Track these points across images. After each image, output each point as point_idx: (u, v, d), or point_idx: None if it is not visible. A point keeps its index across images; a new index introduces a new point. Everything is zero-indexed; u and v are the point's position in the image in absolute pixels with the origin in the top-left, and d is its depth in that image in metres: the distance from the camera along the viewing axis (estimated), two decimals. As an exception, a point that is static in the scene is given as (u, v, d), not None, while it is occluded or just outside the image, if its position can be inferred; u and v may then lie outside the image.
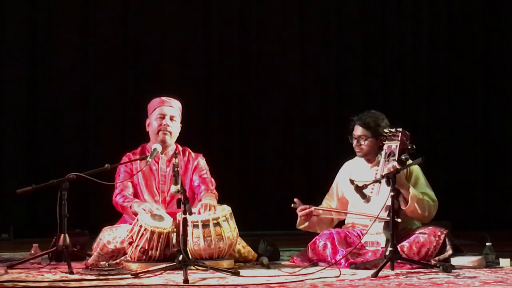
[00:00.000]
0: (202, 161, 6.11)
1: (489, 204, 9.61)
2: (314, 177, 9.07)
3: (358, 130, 5.91)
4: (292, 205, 5.97)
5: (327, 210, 6.01)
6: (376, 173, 5.72)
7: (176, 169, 5.28)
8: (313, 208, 5.96)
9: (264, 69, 9.42)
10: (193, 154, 6.12)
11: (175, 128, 6.01)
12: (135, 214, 5.75)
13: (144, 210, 5.65)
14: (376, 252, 5.64)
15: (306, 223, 6.02)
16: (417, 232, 5.72)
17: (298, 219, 6.03)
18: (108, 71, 9.07)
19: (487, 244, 5.93)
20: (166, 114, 5.98)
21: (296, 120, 9.45)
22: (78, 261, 5.86)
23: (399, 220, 5.53)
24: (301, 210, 5.94)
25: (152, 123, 6.01)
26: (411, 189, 5.65)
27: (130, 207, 5.80)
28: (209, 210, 5.67)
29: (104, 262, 5.59)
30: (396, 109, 9.26)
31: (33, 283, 4.97)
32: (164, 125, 5.96)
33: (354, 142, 5.92)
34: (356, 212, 5.85)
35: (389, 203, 5.39)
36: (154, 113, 6.01)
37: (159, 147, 5.89)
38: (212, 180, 6.07)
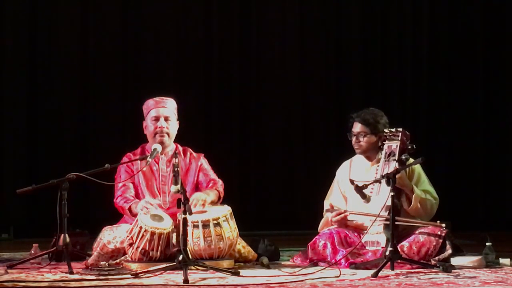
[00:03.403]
0: (204, 162, 6.10)
1: (489, 204, 9.61)
2: (314, 177, 9.07)
3: (357, 127, 5.92)
4: (326, 209, 5.94)
5: (359, 214, 5.94)
6: (377, 172, 5.72)
7: (176, 169, 5.28)
8: (348, 212, 5.90)
9: (264, 69, 9.42)
10: (194, 154, 6.11)
11: (172, 128, 5.99)
12: (135, 215, 5.74)
13: (141, 210, 5.65)
14: (376, 252, 5.65)
15: (333, 227, 5.92)
16: (417, 232, 5.72)
17: (324, 222, 5.97)
18: (108, 71, 9.07)
19: (487, 244, 5.93)
20: (160, 115, 5.95)
21: (296, 120, 9.44)
22: (78, 261, 5.86)
23: (443, 225, 5.58)
24: (337, 214, 5.88)
25: (148, 126, 6.00)
26: (415, 189, 5.66)
27: (129, 208, 5.80)
28: (202, 205, 5.67)
29: (104, 262, 5.59)
30: (396, 109, 9.25)
31: (33, 283, 4.98)
32: (160, 127, 5.94)
33: (353, 139, 5.93)
34: (381, 215, 5.73)
35: (389, 203, 5.39)
36: (149, 116, 6.00)
37: (159, 147, 5.89)
38: (221, 181, 6.05)
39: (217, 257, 5.61)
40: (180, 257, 5.12)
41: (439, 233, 5.67)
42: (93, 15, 9.08)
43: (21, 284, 4.93)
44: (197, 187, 6.04)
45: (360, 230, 5.86)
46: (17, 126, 8.88)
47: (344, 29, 9.57)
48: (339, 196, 6.07)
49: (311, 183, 9.04)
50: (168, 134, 5.97)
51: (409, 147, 5.64)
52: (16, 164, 8.83)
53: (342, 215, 5.86)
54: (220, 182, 6.05)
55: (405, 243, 5.64)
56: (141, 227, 5.52)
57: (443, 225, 5.66)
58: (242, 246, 5.90)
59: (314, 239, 5.86)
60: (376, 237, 5.70)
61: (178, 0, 9.28)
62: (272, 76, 9.42)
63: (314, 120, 9.48)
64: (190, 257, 5.21)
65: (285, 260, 6.17)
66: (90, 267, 5.57)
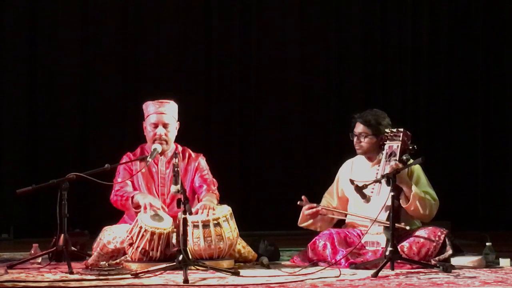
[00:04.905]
0: (202, 161, 6.09)
1: (489, 204, 9.61)
2: (314, 176, 9.06)
3: (358, 128, 5.92)
4: (299, 203, 5.96)
5: (333, 211, 5.99)
6: (377, 173, 5.73)
7: (176, 169, 5.28)
8: (320, 207, 5.94)
9: (264, 69, 9.42)
10: (193, 154, 6.10)
11: (170, 134, 5.95)
12: (137, 206, 5.72)
13: (145, 206, 5.63)
14: (376, 252, 5.65)
15: (310, 221, 5.99)
16: (417, 232, 5.72)
17: (301, 216, 6.01)
18: (108, 71, 9.07)
19: (487, 244, 5.93)
20: (158, 123, 5.92)
21: (296, 120, 9.44)
22: (78, 261, 5.86)
23: (407, 227, 5.57)
24: (309, 208, 5.92)
25: (147, 130, 5.98)
26: (413, 187, 5.66)
27: (132, 197, 5.77)
28: (208, 211, 5.67)
29: (104, 262, 5.60)
30: (396, 109, 9.25)
31: (33, 283, 4.98)
32: (158, 134, 5.92)
33: (355, 139, 5.94)
34: (361, 215, 5.78)
35: (389, 203, 5.39)
36: (148, 120, 5.97)
37: (159, 147, 5.88)
38: (214, 180, 6.05)
39: (217, 257, 5.61)
40: (180, 257, 5.12)
41: (439, 233, 5.67)
42: (93, 15, 9.08)
43: (21, 284, 4.93)
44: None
45: (359, 228, 5.87)
46: (17, 126, 8.88)
47: (344, 29, 9.56)
48: (333, 195, 6.10)
49: (311, 183, 9.04)
50: (166, 141, 5.93)
51: (410, 147, 5.64)
52: (16, 164, 8.83)
53: (314, 210, 5.90)
54: (216, 186, 6.03)
55: (405, 244, 5.64)
56: (141, 227, 5.52)
57: (407, 227, 5.66)
58: (242, 246, 5.90)
59: (314, 239, 5.87)
60: (376, 238, 5.70)
61: (178, 0, 9.27)
62: (272, 75, 9.41)
63: (314, 120, 9.48)
64: (190, 257, 5.21)
65: (285, 260, 6.17)
66: (90, 267, 5.58)
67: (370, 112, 5.95)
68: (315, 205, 5.95)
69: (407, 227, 5.65)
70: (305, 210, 5.95)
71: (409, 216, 5.76)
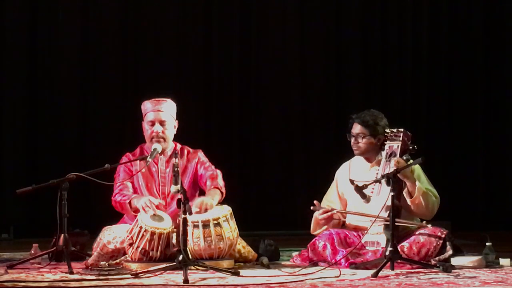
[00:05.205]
0: (201, 155, 6.07)
1: (489, 204, 9.61)
2: (314, 177, 9.06)
3: (356, 128, 5.91)
4: (312, 208, 5.89)
5: (347, 213, 5.95)
6: (377, 173, 5.73)
7: (176, 169, 5.28)
8: (335, 211, 5.90)
9: (264, 69, 9.42)
10: (191, 150, 6.08)
11: (168, 132, 5.95)
12: (135, 211, 5.73)
13: (143, 208, 5.63)
14: (376, 252, 5.65)
15: (324, 227, 5.91)
16: (417, 232, 5.72)
17: (314, 222, 5.96)
18: (108, 71, 9.07)
19: (487, 244, 5.93)
20: (156, 121, 5.92)
21: (296, 120, 9.44)
22: (78, 261, 5.86)
23: (429, 225, 5.57)
24: (323, 212, 5.86)
25: (145, 129, 5.98)
26: (417, 182, 5.65)
27: (130, 202, 5.78)
28: (203, 207, 5.66)
29: (104, 262, 5.60)
30: (396, 109, 9.25)
31: (33, 283, 4.98)
32: (156, 132, 5.92)
33: (352, 140, 5.93)
34: (373, 215, 5.74)
35: (389, 203, 5.39)
36: (146, 118, 5.97)
37: (159, 147, 5.88)
38: (218, 171, 6.01)
39: (217, 257, 5.61)
40: (180, 257, 5.12)
41: (439, 234, 5.67)
42: (93, 15, 9.08)
43: (21, 284, 4.94)
44: (195, 182, 6.02)
45: (360, 230, 5.86)
46: (17, 127, 8.87)
47: (344, 29, 9.56)
48: (335, 197, 6.07)
49: (311, 183, 9.04)
50: (164, 138, 5.92)
51: (411, 147, 5.64)
52: (16, 164, 8.83)
53: (329, 213, 5.85)
54: (220, 176, 6.00)
55: (405, 244, 5.64)
56: (141, 227, 5.52)
57: (429, 225, 5.67)
58: (242, 246, 5.90)
59: (314, 239, 5.86)
60: (376, 238, 5.70)
61: (178, 0, 9.27)
62: (272, 75, 9.41)
63: (314, 121, 9.47)
64: (190, 257, 5.21)
65: (285, 260, 6.17)
66: (90, 267, 5.58)
67: (368, 112, 5.94)
68: (329, 208, 5.90)
69: (429, 225, 5.66)
70: (319, 215, 5.87)
71: (408, 216, 5.75)
